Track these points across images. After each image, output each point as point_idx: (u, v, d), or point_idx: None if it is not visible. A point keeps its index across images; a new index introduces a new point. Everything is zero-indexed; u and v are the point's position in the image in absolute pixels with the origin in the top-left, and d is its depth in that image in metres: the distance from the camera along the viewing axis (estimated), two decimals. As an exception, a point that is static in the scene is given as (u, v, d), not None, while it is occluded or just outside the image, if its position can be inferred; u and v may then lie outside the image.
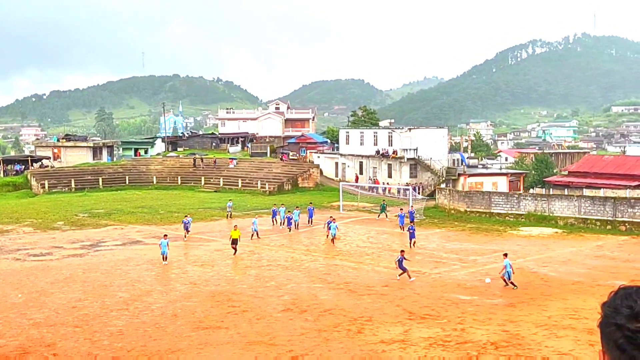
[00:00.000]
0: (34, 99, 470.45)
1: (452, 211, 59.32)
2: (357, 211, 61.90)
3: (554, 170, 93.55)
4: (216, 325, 24.29)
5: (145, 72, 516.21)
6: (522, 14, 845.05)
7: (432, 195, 69.27)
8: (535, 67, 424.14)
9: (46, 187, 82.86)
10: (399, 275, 31.74)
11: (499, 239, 45.89)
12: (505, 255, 31.16)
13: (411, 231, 42.68)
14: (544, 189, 73.97)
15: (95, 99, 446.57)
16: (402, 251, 32.89)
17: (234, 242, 39.36)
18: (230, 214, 57.71)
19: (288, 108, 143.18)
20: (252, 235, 45.78)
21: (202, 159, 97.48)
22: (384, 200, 63.22)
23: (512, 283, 29.82)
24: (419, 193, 69.98)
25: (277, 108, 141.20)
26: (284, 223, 51.23)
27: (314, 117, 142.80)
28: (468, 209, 57.91)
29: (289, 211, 52.25)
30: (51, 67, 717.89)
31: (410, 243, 41.46)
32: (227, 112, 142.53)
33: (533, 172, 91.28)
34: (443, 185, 72.34)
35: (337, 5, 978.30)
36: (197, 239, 45.88)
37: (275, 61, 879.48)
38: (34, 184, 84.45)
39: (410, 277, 31.54)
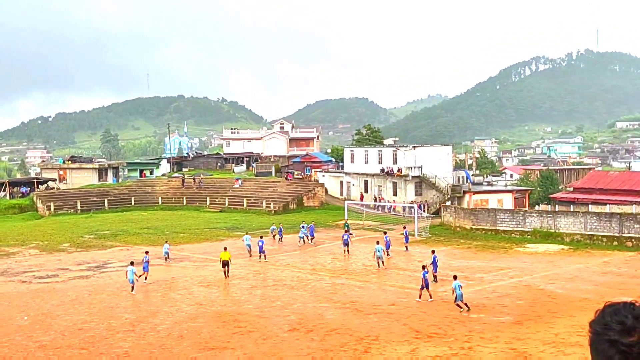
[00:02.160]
0: (39, 121, 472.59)
1: (458, 229, 59.20)
2: (363, 229, 61.79)
3: (559, 187, 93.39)
4: (222, 345, 24.23)
5: (150, 93, 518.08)
6: (525, 31, 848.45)
7: (437, 213, 69.14)
8: (539, 84, 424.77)
9: (52, 209, 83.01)
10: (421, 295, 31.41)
11: (505, 256, 45.74)
12: (455, 277, 30.11)
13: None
14: (549, 206, 73.92)
15: (101, 120, 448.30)
16: (424, 266, 32.75)
17: (225, 264, 38.25)
18: (281, 238, 54.74)
19: (292, 127, 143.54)
20: (250, 252, 46.20)
21: (194, 179, 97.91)
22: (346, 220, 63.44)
23: (465, 304, 28.69)
24: (424, 211, 69.92)
25: (282, 127, 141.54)
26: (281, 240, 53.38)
27: (318, 136, 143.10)
28: (474, 227, 57.79)
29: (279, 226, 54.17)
30: (55, 90, 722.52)
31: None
32: (231, 132, 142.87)
33: (538, 188, 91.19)
34: (448, 203, 72.30)
35: (340, 24, 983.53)
36: (202, 259, 45.86)
37: (280, 81, 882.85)
38: (40, 206, 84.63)
39: (420, 297, 31.36)
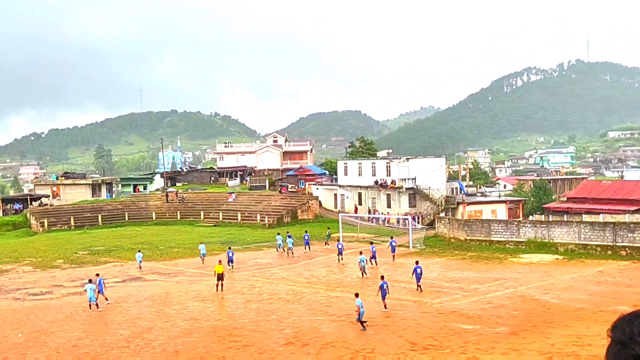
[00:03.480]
0: (32, 138, 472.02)
1: (452, 240, 59.27)
2: (357, 242, 61.77)
3: (553, 197, 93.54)
4: (218, 360, 24.18)
5: (143, 108, 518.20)
6: (516, 42, 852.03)
7: (431, 225, 69.21)
8: (531, 95, 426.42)
9: (45, 226, 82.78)
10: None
11: (500, 267, 45.79)
12: (357, 295, 29.73)
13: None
14: (543, 216, 73.97)
15: (94, 136, 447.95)
16: (382, 276, 33.80)
17: (220, 277, 38.77)
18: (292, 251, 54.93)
19: (286, 141, 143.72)
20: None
21: (176, 193, 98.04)
22: (329, 227, 64.70)
23: (361, 323, 28.31)
24: (418, 222, 69.96)
25: (275, 141, 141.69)
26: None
27: (311, 149, 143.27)
28: (468, 238, 57.85)
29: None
30: (46, 106, 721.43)
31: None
32: (225, 146, 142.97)
33: (532, 198, 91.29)
34: (442, 214, 72.36)
35: (333, 38, 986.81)
36: (197, 274, 45.77)
37: (273, 95, 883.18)
38: (33, 223, 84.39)
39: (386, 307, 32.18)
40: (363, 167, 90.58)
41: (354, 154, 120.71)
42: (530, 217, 73.30)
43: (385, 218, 79.66)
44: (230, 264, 46.65)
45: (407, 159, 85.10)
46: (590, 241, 50.61)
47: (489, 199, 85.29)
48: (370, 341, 26.14)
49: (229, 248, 50.94)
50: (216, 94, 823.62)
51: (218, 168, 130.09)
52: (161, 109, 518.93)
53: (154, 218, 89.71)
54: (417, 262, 39.14)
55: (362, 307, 28.33)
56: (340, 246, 51.14)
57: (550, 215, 72.57)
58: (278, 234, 60.05)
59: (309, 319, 30.84)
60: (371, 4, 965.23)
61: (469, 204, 77.59)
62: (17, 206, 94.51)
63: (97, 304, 34.52)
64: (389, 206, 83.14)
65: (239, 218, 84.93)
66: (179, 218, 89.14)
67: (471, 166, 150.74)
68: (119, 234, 75.73)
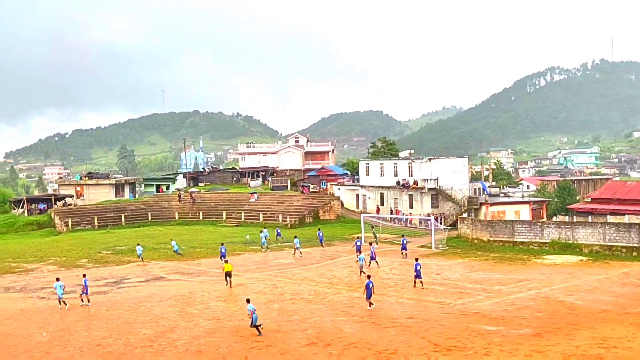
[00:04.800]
0: (56, 138, 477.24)
1: (475, 241, 58.94)
2: (380, 243, 61.62)
3: (577, 198, 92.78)
4: (240, 360, 24.23)
5: (165, 108, 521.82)
6: (539, 42, 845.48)
7: (454, 225, 68.87)
8: (554, 95, 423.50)
9: (70, 225, 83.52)
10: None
11: (523, 268, 45.43)
12: (248, 300, 29.53)
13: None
14: (567, 217, 73.34)
15: (117, 136, 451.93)
16: (369, 276, 34.98)
17: (228, 274, 41.00)
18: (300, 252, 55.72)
19: (307, 141, 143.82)
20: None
21: (190, 194, 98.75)
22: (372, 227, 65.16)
23: (256, 327, 28.14)
24: (440, 223, 69.70)
25: (297, 141, 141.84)
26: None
27: (333, 150, 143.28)
28: (491, 238, 57.50)
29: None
30: (69, 107, 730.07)
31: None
32: (247, 147, 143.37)
33: (555, 199, 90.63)
34: (465, 215, 71.99)
35: (354, 37, 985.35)
36: (219, 273, 45.84)
37: (294, 95, 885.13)
38: (57, 222, 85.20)
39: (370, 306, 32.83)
40: (385, 168, 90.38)
41: (376, 154, 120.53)
42: (554, 218, 72.68)
43: (407, 219, 79.37)
44: (222, 258, 48.44)
45: (430, 159, 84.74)
46: (616, 242, 50.07)
47: (512, 200, 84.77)
48: (392, 342, 26.04)
49: (222, 244, 53.45)
50: (238, 95, 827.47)
51: (240, 168, 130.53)
52: (183, 110, 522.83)
53: (176, 218, 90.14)
54: (416, 259, 39.77)
55: (254, 312, 28.26)
56: (359, 243, 52.66)
57: (574, 216, 71.95)
58: (261, 230, 62.85)
59: (332, 319, 30.80)
60: (394, 3, 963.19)
61: (491, 204, 77.14)
62: (41, 206, 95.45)
63: (64, 301, 35.60)
64: (411, 207, 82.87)
65: (261, 218, 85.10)
66: (201, 218, 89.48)
67: (494, 166, 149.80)
68: (142, 233, 76.15)
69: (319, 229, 64.69)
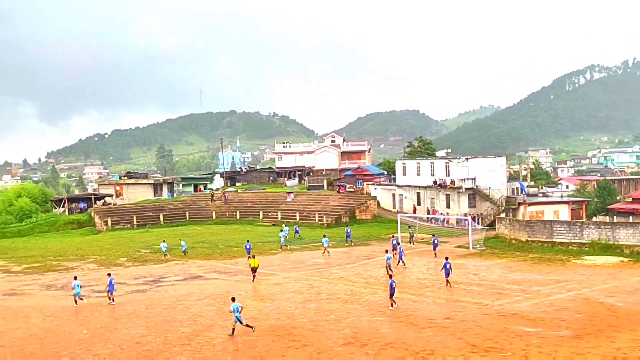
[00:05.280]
0: (96, 138, 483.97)
1: (513, 241, 58.37)
2: (416, 242, 61.40)
3: (617, 197, 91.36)
4: (277, 359, 24.31)
5: (202, 109, 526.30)
6: (579, 39, 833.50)
7: (491, 225, 68.33)
8: (594, 93, 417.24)
9: (109, 224, 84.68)
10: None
11: (563, 268, 44.88)
12: (233, 299, 29.29)
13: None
14: (607, 217, 72.29)
15: (155, 136, 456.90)
16: (391, 275, 35.30)
17: (254, 270, 43.09)
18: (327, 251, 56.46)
19: (344, 140, 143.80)
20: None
21: (223, 193, 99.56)
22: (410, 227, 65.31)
23: (247, 326, 28.29)
24: (478, 223, 69.18)
25: (333, 141, 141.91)
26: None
27: (369, 149, 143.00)
28: (529, 239, 56.89)
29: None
30: (109, 107, 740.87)
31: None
32: (283, 146, 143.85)
33: (595, 199, 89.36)
34: (503, 215, 71.32)
35: (390, 36, 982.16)
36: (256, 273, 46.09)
37: (330, 94, 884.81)
38: (97, 221, 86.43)
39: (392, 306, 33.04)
40: (422, 167, 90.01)
41: (412, 153, 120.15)
42: (594, 218, 71.67)
43: (444, 219, 78.91)
44: (248, 255, 51.13)
45: (467, 159, 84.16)
46: (657, 243, 49.18)
47: (550, 200, 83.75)
48: (429, 343, 25.93)
49: (247, 241, 55.45)
50: (274, 95, 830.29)
51: (276, 168, 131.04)
52: (220, 110, 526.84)
53: (214, 217, 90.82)
54: (446, 258, 40.22)
55: (236, 312, 28.20)
56: (395, 242, 53.27)
57: (614, 217, 70.92)
58: (281, 229, 66.38)
59: (368, 319, 30.77)
60: (431, 2, 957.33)
61: (530, 204, 76.31)
62: (81, 205, 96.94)
63: (82, 298, 36.62)
64: (448, 206, 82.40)
65: (297, 218, 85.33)
66: (238, 218, 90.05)
67: (532, 166, 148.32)
68: (180, 232, 76.87)
69: (347, 226, 70.16)
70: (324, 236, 58.54)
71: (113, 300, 36.56)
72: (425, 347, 25.29)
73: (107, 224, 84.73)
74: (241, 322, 28.28)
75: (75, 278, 38.20)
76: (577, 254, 50.63)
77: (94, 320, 32.46)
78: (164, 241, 58.83)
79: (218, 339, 27.68)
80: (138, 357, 25.25)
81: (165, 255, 56.05)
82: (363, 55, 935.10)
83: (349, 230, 65.96)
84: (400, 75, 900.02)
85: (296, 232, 70.15)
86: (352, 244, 62.63)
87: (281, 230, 64.31)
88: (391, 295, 33.04)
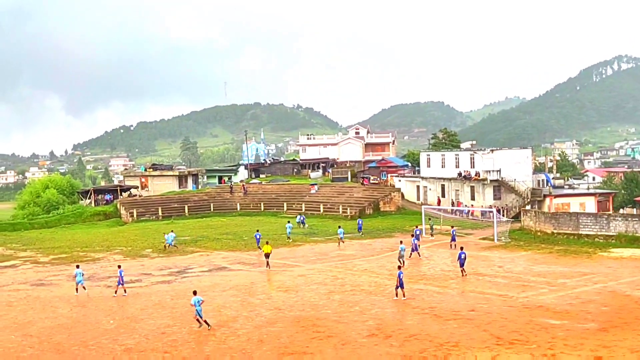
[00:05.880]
0: (122, 131, 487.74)
1: (538, 233, 57.93)
2: (441, 234, 61.19)
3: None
4: (302, 350, 24.39)
5: (227, 101, 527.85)
6: (606, 30, 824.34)
7: (517, 218, 67.89)
8: (622, 84, 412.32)
9: (135, 216, 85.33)
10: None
11: (589, 261, 44.49)
12: (195, 292, 29.33)
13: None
14: (635, 209, 71.54)
15: (180, 128, 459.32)
16: (400, 266, 35.47)
17: (267, 255, 45.06)
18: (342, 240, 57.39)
19: (368, 132, 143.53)
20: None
21: (242, 185, 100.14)
22: (430, 218, 65.13)
23: (205, 322, 28.10)
24: (503, 215, 68.77)
25: (357, 133, 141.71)
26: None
27: (394, 141, 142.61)
28: (555, 231, 56.42)
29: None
30: (134, 99, 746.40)
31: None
32: (307, 138, 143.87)
33: (622, 191, 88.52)
34: (528, 207, 70.82)
35: (414, 28, 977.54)
36: (280, 264, 46.28)
37: (354, 86, 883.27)
38: (123, 213, 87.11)
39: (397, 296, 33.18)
40: (446, 159, 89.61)
41: (437, 145, 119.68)
42: (621, 211, 70.96)
43: (469, 210, 78.52)
44: (258, 244, 53.59)
45: (492, 151, 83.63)
46: (686, 236, 48.57)
47: (577, 192, 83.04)
48: (454, 335, 25.87)
49: (257, 231, 57.36)
50: (298, 87, 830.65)
51: (300, 160, 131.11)
52: (245, 102, 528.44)
53: (238, 209, 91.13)
54: (462, 248, 41.01)
55: (197, 305, 28.19)
56: (417, 232, 54.66)
57: (642, 209, 70.10)
58: (289, 220, 67.64)
59: (392, 311, 30.78)
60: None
61: (556, 196, 75.71)
62: (107, 197, 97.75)
63: (84, 287, 37.29)
64: (472, 198, 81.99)
65: (321, 209, 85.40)
66: (262, 209, 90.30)
67: (558, 158, 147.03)
68: (205, 224, 77.30)
69: (359, 218, 70.72)
70: (339, 227, 59.13)
71: (124, 291, 36.54)
72: (449, 339, 25.24)
73: (132, 216, 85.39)
74: (200, 317, 28.30)
75: (77, 266, 39.28)
76: (604, 247, 50.14)
77: (120, 310, 32.80)
78: (172, 230, 60.25)
79: (242, 329, 27.84)
80: (164, 347, 25.48)
81: (168, 246, 56.07)
82: (388, 47, 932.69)
83: (360, 222, 66.51)
84: (425, 67, 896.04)
85: (301, 222, 72.25)
86: (362, 235, 63.15)
87: (288, 222, 64.65)
88: (399, 286, 33.13)
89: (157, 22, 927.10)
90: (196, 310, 28.27)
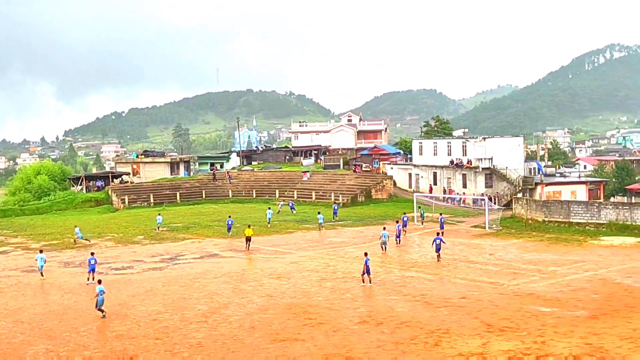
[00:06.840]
0: (113, 117, 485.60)
1: (530, 221, 58.12)
2: (432, 222, 61.32)
3: (636, 178, 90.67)
4: (293, 337, 24.45)
5: (219, 87, 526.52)
6: (598, 18, 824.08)
7: (508, 205, 68.11)
8: (614, 72, 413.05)
9: (126, 202, 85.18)
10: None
11: (579, 249, 44.70)
12: (100, 281, 30.01)
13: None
14: (625, 197, 71.82)
15: (172, 115, 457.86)
16: (366, 253, 35.32)
17: (248, 239, 47.21)
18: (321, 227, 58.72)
19: (360, 120, 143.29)
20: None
21: (227, 172, 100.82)
22: (420, 207, 64.71)
23: (100, 310, 28.41)
24: (494, 203, 68.93)
25: (350, 120, 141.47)
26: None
27: (386, 129, 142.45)
28: (546, 219, 56.62)
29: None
30: (126, 85, 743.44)
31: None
32: (300, 126, 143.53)
33: (613, 179, 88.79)
34: (520, 195, 71.02)
35: (407, 16, 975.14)
36: (272, 251, 46.33)
37: (347, 73, 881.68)
38: (114, 199, 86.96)
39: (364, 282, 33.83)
40: (438, 147, 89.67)
41: (429, 133, 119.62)
42: (612, 199, 71.23)
43: (460, 198, 78.67)
44: (229, 231, 55.10)
45: (484, 139, 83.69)
46: (676, 224, 48.81)
47: (568, 180, 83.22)
48: (445, 322, 25.98)
49: (229, 217, 57.83)
50: (291, 74, 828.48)
51: (293, 147, 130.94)
52: (237, 89, 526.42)
53: (230, 196, 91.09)
54: (437, 234, 42.10)
55: (101, 294, 28.32)
56: (405, 219, 54.97)
57: (632, 197, 70.44)
58: (269, 207, 67.89)
59: (383, 298, 30.86)
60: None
61: (547, 184, 75.97)
62: (99, 183, 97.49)
63: (41, 273, 37.97)
64: (464, 186, 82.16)
65: (313, 197, 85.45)
66: (254, 196, 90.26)
67: (550, 146, 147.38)
68: (197, 211, 77.24)
69: (335, 203, 74.33)
70: (319, 213, 59.85)
71: (93, 279, 35.84)
72: (440, 326, 25.35)
73: (124, 202, 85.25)
74: (97, 306, 28.42)
75: (40, 251, 39.48)
76: (594, 235, 50.38)
77: (112, 297, 32.69)
78: (159, 214, 64.84)
79: (234, 316, 27.88)
80: (155, 334, 25.48)
81: (158, 228, 59.60)
82: (381, 34, 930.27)
83: (336, 207, 68.77)
84: (418, 55, 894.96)
85: (291, 207, 73.89)
86: (336, 219, 65.39)
87: (269, 208, 66.02)
88: (365, 272, 33.75)
89: (150, 7, 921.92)
90: (97, 299, 28.32)
